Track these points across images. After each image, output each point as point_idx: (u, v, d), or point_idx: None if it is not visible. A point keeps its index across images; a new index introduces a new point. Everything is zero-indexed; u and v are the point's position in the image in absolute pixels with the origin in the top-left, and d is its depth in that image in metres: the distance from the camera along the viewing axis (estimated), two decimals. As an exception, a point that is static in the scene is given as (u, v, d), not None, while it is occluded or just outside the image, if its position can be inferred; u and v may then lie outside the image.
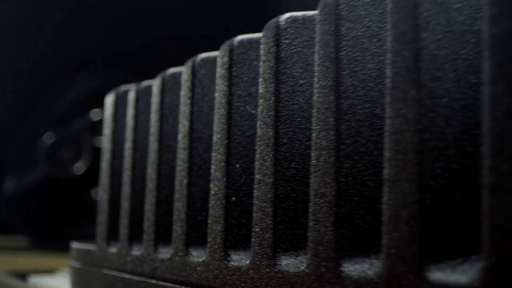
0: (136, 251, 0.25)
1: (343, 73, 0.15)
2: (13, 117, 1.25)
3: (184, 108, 0.22)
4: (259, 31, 0.19)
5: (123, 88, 0.29)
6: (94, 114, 1.09)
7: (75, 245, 0.33)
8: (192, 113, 0.22)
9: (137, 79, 1.00)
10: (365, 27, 0.16)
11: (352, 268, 0.14)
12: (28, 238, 1.05)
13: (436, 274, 0.12)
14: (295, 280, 0.16)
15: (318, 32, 0.16)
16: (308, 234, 0.16)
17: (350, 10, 0.15)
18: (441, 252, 0.13)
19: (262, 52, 0.18)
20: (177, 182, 0.22)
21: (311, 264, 0.15)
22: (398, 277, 0.13)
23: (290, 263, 0.16)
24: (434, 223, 0.13)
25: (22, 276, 0.45)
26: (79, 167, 1.08)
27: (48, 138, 1.07)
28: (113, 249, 0.27)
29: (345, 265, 0.15)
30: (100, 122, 1.07)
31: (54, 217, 1.12)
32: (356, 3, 0.16)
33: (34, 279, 0.43)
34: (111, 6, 1.31)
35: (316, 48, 0.16)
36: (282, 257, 0.17)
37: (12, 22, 1.37)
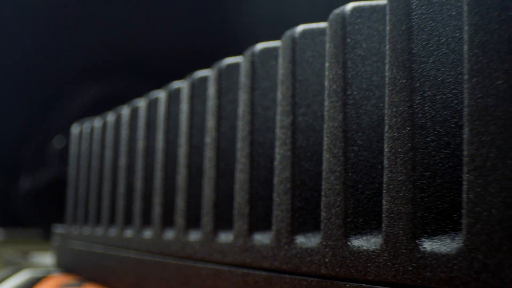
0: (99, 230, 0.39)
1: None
2: (27, 121, 1.28)
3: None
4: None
5: (84, 122, 0.43)
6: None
7: (56, 229, 0.47)
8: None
9: (143, 85, 1.12)
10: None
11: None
12: (41, 230, 1.07)
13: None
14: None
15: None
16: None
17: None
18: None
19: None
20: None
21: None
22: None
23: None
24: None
25: (25, 253, 0.59)
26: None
27: (58, 141, 1.13)
28: (78, 229, 0.41)
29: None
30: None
31: (64, 212, 1.18)
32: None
33: (32, 256, 0.57)
34: (121, 17, 1.31)
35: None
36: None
37: (26, 31, 1.37)
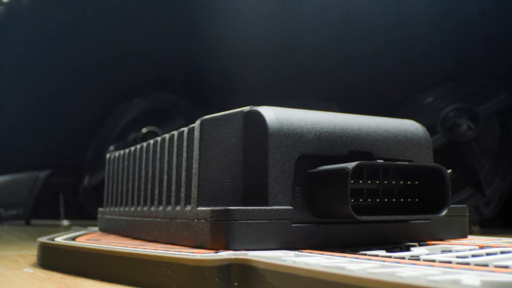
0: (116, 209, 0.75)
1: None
2: (88, 133, 1.62)
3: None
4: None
5: (113, 151, 0.79)
6: (144, 129, 1.39)
7: (99, 209, 0.84)
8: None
9: (177, 100, 1.50)
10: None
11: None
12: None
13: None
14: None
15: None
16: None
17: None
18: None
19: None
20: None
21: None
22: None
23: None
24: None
25: (86, 226, 0.96)
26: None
27: (112, 148, 1.37)
28: (108, 209, 0.78)
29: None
30: (148, 134, 1.41)
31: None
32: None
33: (90, 228, 0.95)
34: (156, 47, 1.59)
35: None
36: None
37: (87, 63, 1.67)
